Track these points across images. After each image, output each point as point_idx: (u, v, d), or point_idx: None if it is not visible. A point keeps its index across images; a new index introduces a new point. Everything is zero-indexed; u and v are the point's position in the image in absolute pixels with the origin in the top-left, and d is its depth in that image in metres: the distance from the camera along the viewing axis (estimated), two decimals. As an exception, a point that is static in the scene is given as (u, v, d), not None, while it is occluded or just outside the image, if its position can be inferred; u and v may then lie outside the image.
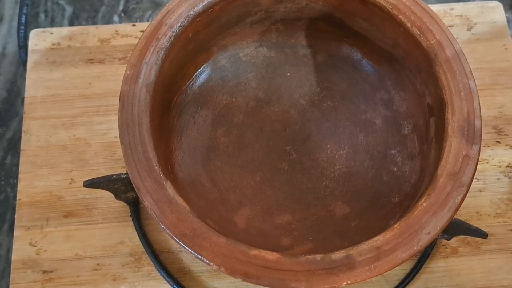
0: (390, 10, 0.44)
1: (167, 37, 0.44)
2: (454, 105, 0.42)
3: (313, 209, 0.47)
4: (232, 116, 0.50)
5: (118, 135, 0.40)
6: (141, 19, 0.61)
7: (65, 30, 0.57)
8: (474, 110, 0.41)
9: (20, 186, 0.50)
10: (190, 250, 0.37)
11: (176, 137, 0.48)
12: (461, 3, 0.58)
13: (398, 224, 0.38)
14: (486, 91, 0.55)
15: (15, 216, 0.49)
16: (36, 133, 0.52)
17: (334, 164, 0.49)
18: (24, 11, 0.59)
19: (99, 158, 0.51)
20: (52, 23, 0.60)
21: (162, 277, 0.47)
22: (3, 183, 0.53)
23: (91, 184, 0.44)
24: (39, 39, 0.56)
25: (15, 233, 0.49)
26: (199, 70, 0.50)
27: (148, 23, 0.44)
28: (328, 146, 0.50)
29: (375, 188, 0.47)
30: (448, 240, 0.48)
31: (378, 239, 0.37)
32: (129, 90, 0.42)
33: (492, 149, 0.53)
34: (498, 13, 0.58)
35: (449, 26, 0.45)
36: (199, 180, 0.47)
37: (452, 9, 0.58)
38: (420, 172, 0.45)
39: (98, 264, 0.48)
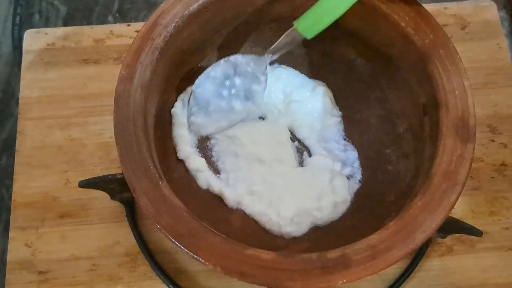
0: (384, 10, 0.45)
1: (162, 37, 0.44)
2: (448, 104, 0.42)
3: (309, 208, 0.47)
4: (227, 116, 0.50)
5: (113, 135, 0.40)
6: (136, 19, 0.60)
7: (60, 31, 0.57)
8: (469, 109, 0.41)
9: (15, 187, 0.50)
10: (186, 250, 0.37)
11: (171, 137, 0.48)
12: (455, 3, 0.58)
13: (393, 222, 0.38)
14: (480, 89, 0.55)
15: (10, 217, 0.49)
16: (31, 134, 0.52)
17: (330, 163, 0.49)
18: (19, 11, 0.59)
19: (95, 159, 0.51)
20: (47, 23, 0.60)
21: (158, 277, 0.47)
22: (-2, 184, 0.53)
23: (86, 184, 0.44)
24: (34, 40, 0.56)
25: (10, 234, 0.48)
26: (194, 70, 0.50)
27: (143, 23, 0.44)
28: (323, 145, 0.50)
29: (370, 187, 0.47)
30: (443, 238, 0.48)
31: (374, 238, 0.37)
32: (124, 90, 0.42)
33: (487, 147, 0.53)
34: (492, 12, 0.58)
35: (443, 25, 0.45)
36: (195, 179, 0.47)
37: (446, 8, 0.58)
38: (415, 171, 0.45)
39: (93, 265, 0.48)
